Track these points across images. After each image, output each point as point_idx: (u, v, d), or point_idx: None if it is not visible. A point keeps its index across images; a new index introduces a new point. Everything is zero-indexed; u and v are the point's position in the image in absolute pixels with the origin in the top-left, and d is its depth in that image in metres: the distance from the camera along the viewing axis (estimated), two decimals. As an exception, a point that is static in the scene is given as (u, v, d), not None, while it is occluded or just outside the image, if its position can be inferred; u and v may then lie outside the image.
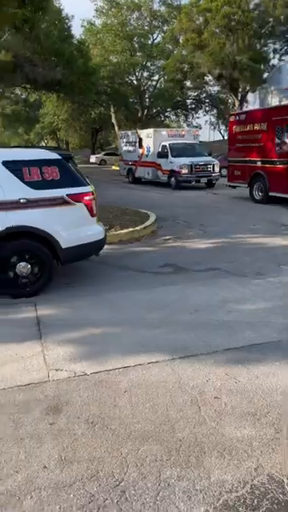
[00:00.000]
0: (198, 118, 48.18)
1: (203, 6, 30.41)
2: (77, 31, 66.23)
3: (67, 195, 5.45)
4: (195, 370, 3.54)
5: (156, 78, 42.14)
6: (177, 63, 35.53)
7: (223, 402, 3.12)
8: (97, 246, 5.92)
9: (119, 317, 4.69)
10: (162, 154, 19.73)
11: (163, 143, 20.01)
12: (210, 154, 21.03)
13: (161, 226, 10.01)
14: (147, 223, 9.61)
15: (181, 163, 18.66)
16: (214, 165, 19.13)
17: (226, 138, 46.88)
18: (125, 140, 24.16)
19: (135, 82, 41.36)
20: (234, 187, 15.47)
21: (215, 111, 46.40)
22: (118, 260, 7.18)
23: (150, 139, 20.85)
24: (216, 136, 62.19)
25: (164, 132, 21.29)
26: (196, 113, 46.48)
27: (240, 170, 14.73)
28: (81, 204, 5.57)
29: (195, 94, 43.41)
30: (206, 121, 54.66)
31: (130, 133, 24.36)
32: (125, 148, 24.03)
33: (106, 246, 6.36)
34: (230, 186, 15.68)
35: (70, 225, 5.53)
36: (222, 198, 15.60)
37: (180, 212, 12.24)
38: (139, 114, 41.25)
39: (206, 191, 17.74)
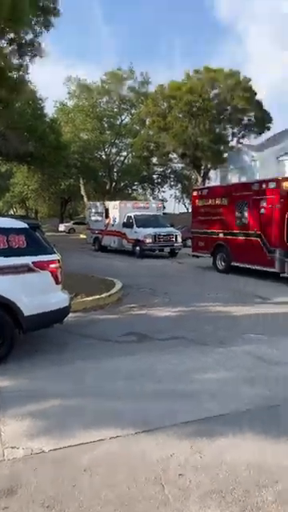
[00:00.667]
0: (163, 191, 50.34)
1: (168, 93, 33.21)
2: (50, 110, 69.87)
3: (33, 263, 5.46)
4: (159, 443, 3.41)
5: (124, 154, 44.56)
6: (143, 142, 37.86)
7: (187, 479, 2.99)
8: (61, 313, 5.84)
9: (81, 388, 4.53)
10: (128, 224, 20.63)
11: (128, 214, 21.00)
12: (172, 226, 22.08)
13: (126, 294, 10.04)
14: (112, 291, 9.63)
15: (145, 233, 19.46)
16: (176, 235, 19.97)
17: (190, 210, 49.12)
18: (93, 210, 25.18)
19: (104, 157, 43.46)
20: (198, 257, 15.93)
21: (180, 186, 48.96)
22: (81, 328, 7.06)
23: (116, 210, 21.90)
24: (181, 208, 65.01)
25: (129, 204, 22.49)
26: (162, 187, 48.84)
27: (203, 240, 15.28)
28: (46, 271, 5.57)
29: (161, 169, 45.92)
30: (171, 194, 57.15)
31: (97, 204, 25.45)
32: (92, 218, 24.96)
33: (70, 314, 6.29)
34: (194, 255, 16.14)
35: (34, 292, 5.48)
36: (187, 267, 15.97)
37: (145, 280, 12.37)
38: (107, 187, 42.87)
39: (170, 260, 18.15)
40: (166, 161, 40.99)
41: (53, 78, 63.86)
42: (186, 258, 17.29)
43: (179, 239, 20.04)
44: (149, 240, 19.32)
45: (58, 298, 5.78)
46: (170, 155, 39.02)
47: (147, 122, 38.07)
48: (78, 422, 3.76)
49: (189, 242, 22.25)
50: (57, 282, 5.73)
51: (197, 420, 3.80)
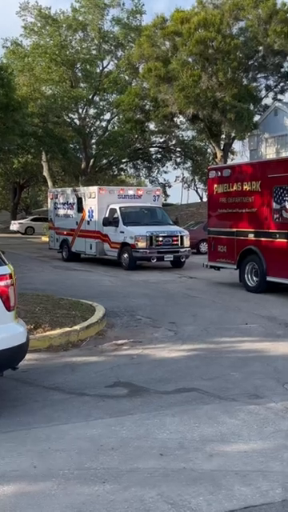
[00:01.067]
0: (165, 172, 50.61)
1: (171, 28, 33.57)
2: (-3, 53, 70.39)
3: (-28, 280, 5.46)
4: None
5: (107, 117, 44.89)
6: (135, 99, 38.18)
7: None
8: (14, 355, 5.82)
9: (44, 465, 4.51)
10: (111, 221, 20.47)
11: (112, 206, 20.88)
12: (176, 222, 22.12)
13: (111, 325, 10.07)
14: (91, 320, 9.66)
15: (136, 234, 19.32)
16: (182, 236, 19.94)
17: (204, 199, 49.41)
18: (58, 200, 25.01)
19: (77, 121, 43.75)
20: (218, 268, 15.98)
21: (189, 164, 49.23)
22: (45, 376, 7.04)
23: (94, 200, 21.66)
24: (191, 197, 65.51)
25: (113, 191, 22.27)
26: (163, 165, 49.19)
27: (225, 244, 15.36)
28: (-9, 292, 5.56)
29: (161, 140, 46.19)
30: (177, 176, 57.62)
31: (66, 190, 25.36)
32: (59, 211, 24.84)
33: (27, 356, 6.28)
34: (211, 266, 16.19)
35: (-26, 323, 5.46)
36: (201, 283, 16.02)
37: (140, 304, 12.40)
38: (83, 166, 43.07)
39: (177, 273, 18.20)
40: (169, 127, 41.30)
41: (1, 7, 64.58)
42: (200, 269, 17.32)
43: (186, 242, 19.97)
44: (142, 244, 19.22)
45: (9, 332, 5.76)
46: (176, 119, 39.41)
47: (141, 70, 38.42)
48: (40, 518, 3.73)
49: (204, 247, 22.52)
50: (8, 308, 5.72)
51: (219, 514, 3.79)
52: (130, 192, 22.42)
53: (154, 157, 48.76)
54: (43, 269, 20.33)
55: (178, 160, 49.08)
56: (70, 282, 16.49)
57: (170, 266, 20.11)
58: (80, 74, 43.57)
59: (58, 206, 25.07)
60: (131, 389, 6.60)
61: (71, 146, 43.96)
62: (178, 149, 47.63)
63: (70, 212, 23.81)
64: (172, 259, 19.70)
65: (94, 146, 45.17)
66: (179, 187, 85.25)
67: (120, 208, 20.63)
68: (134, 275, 18.06)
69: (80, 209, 22.76)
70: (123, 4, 41.83)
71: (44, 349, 8.28)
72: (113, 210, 20.76)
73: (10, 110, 27.28)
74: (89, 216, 21.99)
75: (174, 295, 13.90)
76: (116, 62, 43.70)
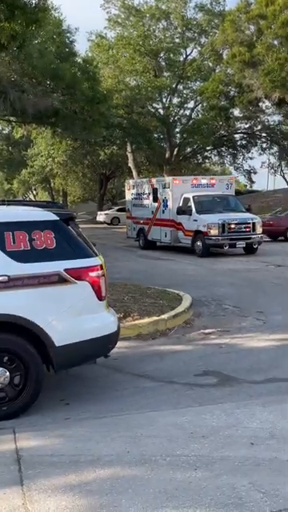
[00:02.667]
0: (250, 158, 49.70)
1: (255, 11, 32.83)
2: (82, 47, 71.65)
3: (65, 270, 5.66)
4: (253, 537, 3.42)
5: (191, 105, 44.62)
6: (220, 86, 37.71)
7: None
8: (106, 343, 6.00)
9: (137, 451, 4.63)
10: (184, 210, 21.00)
11: (185, 195, 21.37)
12: (248, 210, 22.11)
13: (198, 314, 10.11)
14: (178, 309, 9.73)
15: (209, 222, 19.71)
16: (254, 223, 20.31)
17: (292, 185, 48.15)
18: (134, 191, 25.87)
19: (161, 111, 43.77)
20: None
21: (276, 149, 48.09)
22: (135, 364, 7.20)
23: (168, 190, 22.26)
24: (278, 183, 64.07)
25: (187, 181, 22.74)
26: (248, 152, 48.33)
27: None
28: (84, 282, 5.75)
29: (247, 126, 45.42)
30: (263, 162, 56.51)
31: (142, 181, 26.21)
32: (135, 202, 25.66)
33: (118, 344, 6.44)
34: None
35: (69, 312, 5.67)
36: (289, 272, 15.71)
37: (226, 292, 12.37)
38: (167, 155, 43.12)
39: (264, 262, 17.94)
40: (255, 112, 40.52)
41: (86, 1, 65.55)
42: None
43: (259, 229, 20.25)
44: (214, 231, 19.67)
45: (101, 321, 5.95)
46: (261, 103, 38.56)
47: (225, 56, 37.87)
48: (133, 500, 3.84)
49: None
50: (100, 298, 5.89)
51: (312, 505, 3.76)
52: (203, 181, 22.84)
53: (238, 143, 48.04)
54: (129, 258, 20.62)
55: (264, 145, 48.07)
56: (156, 271, 16.65)
57: (242, 252, 20.30)
58: (163, 63, 43.51)
59: (135, 196, 25.82)
60: (220, 378, 6.63)
61: (155, 135, 44.09)
62: (264, 134, 46.66)
63: (145, 202, 24.45)
64: (244, 246, 19.98)
65: (178, 134, 45.08)
66: (265, 173, 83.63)
67: (193, 197, 21.03)
68: (218, 264, 17.96)
69: (155, 198, 23.34)
70: (206, -10, 41.33)
71: (133, 337, 8.45)
72: (186, 199, 21.22)
73: (95, 103, 27.69)
74: (163, 205, 22.58)
75: (261, 284, 13.72)
76: (199, 49, 43.27)
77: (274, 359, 7.35)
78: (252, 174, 51.48)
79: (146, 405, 5.79)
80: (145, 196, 24.61)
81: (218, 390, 6.23)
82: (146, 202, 24.40)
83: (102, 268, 5.97)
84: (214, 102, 39.69)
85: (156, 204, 23.21)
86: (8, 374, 5.45)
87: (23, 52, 18.98)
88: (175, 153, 43.72)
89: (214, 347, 8.03)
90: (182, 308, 9.85)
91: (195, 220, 20.39)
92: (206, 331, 8.91)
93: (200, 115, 44.58)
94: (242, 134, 47.25)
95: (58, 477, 4.24)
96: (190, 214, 20.73)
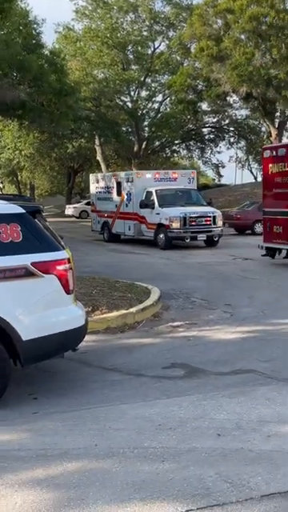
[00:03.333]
0: (218, 152, 49.92)
1: (223, 5, 32.96)
2: (49, 39, 70.99)
3: (32, 264, 5.62)
4: (221, 527, 3.46)
5: (159, 98, 44.62)
6: (188, 79, 37.80)
7: None
8: (73, 337, 5.98)
9: (104, 444, 4.63)
10: (147, 204, 21.56)
11: (148, 189, 21.93)
12: (209, 203, 22.89)
13: (167, 307, 10.14)
14: (147, 302, 9.75)
15: (171, 215, 20.29)
16: (214, 217, 21.07)
17: (259, 179, 48.62)
18: (99, 185, 26.40)
19: (130, 104, 43.69)
20: (273, 256, 15.78)
21: (243, 143, 48.54)
22: (103, 358, 7.19)
23: (131, 184, 22.84)
24: (246, 177, 64.64)
25: (149, 175, 23.44)
26: (216, 146, 48.61)
27: (281, 225, 15.14)
28: (52, 276, 5.72)
29: (214, 120, 45.67)
30: (231, 156, 56.79)
31: (105, 175, 26.85)
32: (99, 195, 26.19)
33: (86, 337, 6.42)
34: (266, 248, 16.02)
35: (36, 306, 5.64)
36: (256, 265, 15.88)
37: (194, 285, 12.43)
38: (135, 148, 43.07)
39: (231, 255, 18.10)
40: (222, 106, 40.73)
41: (53, -8, 64.89)
42: (255, 251, 17.14)
43: (219, 222, 20.97)
44: (176, 224, 20.23)
45: (69, 315, 5.93)
46: (228, 98, 38.81)
47: (192, 50, 37.94)
48: (101, 493, 3.84)
49: (259, 228, 22.30)
50: (67, 291, 5.87)
51: (276, 493, 3.81)
52: (166, 175, 23.45)
53: (206, 137, 48.26)
54: (98, 252, 20.59)
55: (232, 140, 48.43)
56: (126, 264, 16.65)
57: (203, 245, 20.90)
58: (131, 57, 43.40)
59: (100, 190, 26.34)
60: (188, 370, 6.68)
61: (124, 129, 44.00)
62: (232, 128, 46.97)
63: (110, 195, 24.95)
64: (205, 238, 20.72)
65: (146, 128, 45.05)
66: (233, 167, 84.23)
67: (156, 191, 21.63)
68: (187, 257, 18.06)
69: (119, 192, 23.89)
70: (174, -16, 41.27)
71: (102, 331, 8.44)
72: (149, 193, 21.77)
73: (63, 95, 27.45)
74: (127, 199, 23.13)
75: (229, 277, 13.84)
76: (167, 42, 43.25)
77: (241, 351, 7.42)
78: (220, 168, 51.86)
79: (114, 398, 5.80)
80: (109, 190, 25.12)
81: (186, 382, 6.27)
82: (110, 195, 24.90)
83: (69, 261, 5.94)
84: (182, 96, 39.76)
85: (120, 198, 23.71)
86: (-26, 368, 5.40)
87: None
88: (144, 146, 43.69)
89: (182, 340, 8.07)
90: (151, 301, 9.88)
91: (158, 213, 21.00)
92: (174, 324, 8.95)
93: (168, 109, 44.63)
94: (209, 128, 47.49)
95: (26, 471, 4.22)
96: (153, 208, 21.31)
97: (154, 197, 21.43)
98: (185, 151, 50.34)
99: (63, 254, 5.92)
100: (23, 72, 25.41)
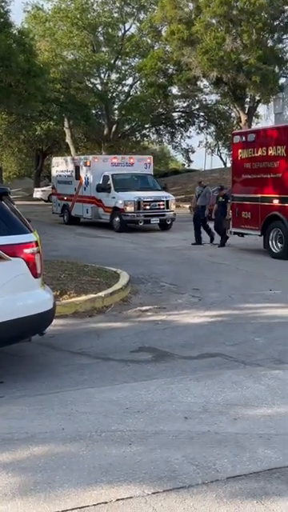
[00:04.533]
0: (188, 137, 49.88)
1: (194, -12, 32.78)
2: (17, 18, 69.65)
3: (-1, 247, 5.54)
4: (187, 510, 3.49)
5: (129, 82, 44.34)
6: (158, 63, 37.62)
7: None
8: (41, 320, 5.94)
9: (72, 428, 4.63)
10: (104, 188, 22.28)
11: (105, 173, 22.68)
12: (164, 188, 24.04)
13: (135, 291, 10.16)
14: (116, 286, 9.75)
15: (125, 199, 21.19)
16: (167, 201, 21.86)
17: (228, 165, 48.82)
18: (59, 168, 27.18)
19: (99, 87, 43.30)
20: (242, 235, 15.93)
21: (213, 128, 48.58)
22: (71, 342, 7.17)
23: (89, 168, 23.58)
24: (215, 162, 64.81)
25: (107, 159, 24.47)
26: (186, 130, 48.59)
27: (249, 210, 15.28)
28: (18, 259, 5.66)
29: (185, 104, 45.60)
30: (201, 141, 56.58)
31: (66, 159, 27.62)
32: (59, 179, 27.00)
33: (54, 321, 6.39)
34: (235, 233, 16.16)
35: (2, 290, 5.57)
36: (224, 250, 16.01)
37: (164, 270, 12.48)
38: (105, 132, 42.78)
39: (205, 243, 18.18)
40: (193, 91, 40.70)
41: None
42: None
43: (172, 206, 21.96)
44: (130, 208, 21.09)
45: (36, 298, 5.88)
46: (199, 82, 38.79)
47: (163, 33, 37.71)
48: (68, 476, 3.85)
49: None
50: (35, 275, 5.81)
51: (241, 475, 3.87)
52: (123, 160, 24.39)
53: (177, 122, 48.19)
54: (66, 236, 20.48)
55: (202, 125, 48.39)
56: (94, 248, 16.60)
57: (158, 228, 21.76)
58: (102, 38, 42.92)
59: (59, 173, 27.02)
60: (155, 354, 6.70)
61: (93, 111, 43.60)
62: (202, 113, 46.97)
63: (69, 179, 25.62)
64: (158, 222, 21.59)
65: (116, 111, 44.73)
66: (202, 152, 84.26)
67: (112, 175, 22.32)
68: (157, 242, 18.10)
69: (78, 176, 24.58)
70: None
71: (70, 315, 8.40)
72: (106, 177, 22.40)
73: (31, 76, 27.04)
74: (85, 183, 23.82)
75: (197, 262, 13.91)
76: (138, 25, 42.87)
77: (208, 335, 7.48)
78: (190, 153, 51.84)
79: (82, 381, 5.79)
80: (68, 173, 25.78)
81: (154, 365, 6.30)
82: (69, 179, 25.58)
83: (37, 245, 5.88)
84: (153, 80, 39.60)
85: (78, 181, 24.40)
86: None
87: None
88: (113, 130, 43.41)
89: (150, 324, 8.10)
90: (119, 286, 9.87)
91: (113, 197, 21.73)
92: (143, 308, 8.97)
93: (138, 92, 44.39)
94: (180, 113, 47.43)
95: (-8, 455, 4.19)
96: (109, 192, 21.97)
97: (111, 181, 22.09)
98: (155, 135, 50.20)
99: (31, 237, 5.85)
100: (-10, 52, 24.95)
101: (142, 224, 21.20)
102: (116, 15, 42.44)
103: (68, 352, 6.82)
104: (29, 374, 6.04)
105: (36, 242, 5.88)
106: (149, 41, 42.73)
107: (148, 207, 21.28)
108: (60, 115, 40.70)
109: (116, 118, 44.34)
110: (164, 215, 21.55)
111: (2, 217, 5.72)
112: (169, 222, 21.71)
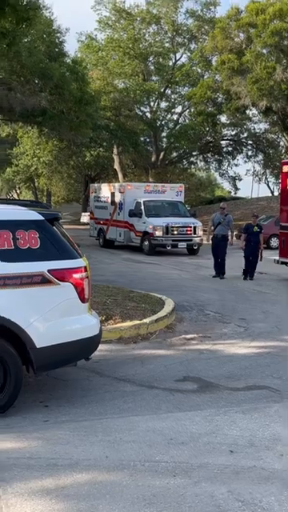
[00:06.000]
0: (235, 165, 49.88)
1: (245, 19, 33.04)
2: (72, 48, 71.59)
3: (49, 271, 5.61)
4: None
5: (178, 110, 44.73)
6: (208, 92, 37.84)
7: None
8: (87, 345, 5.96)
9: (116, 456, 4.59)
10: (135, 213, 23.47)
11: (138, 200, 23.83)
12: (194, 215, 24.55)
13: (180, 319, 10.09)
14: (161, 313, 9.70)
15: (154, 224, 22.29)
16: (195, 227, 22.77)
17: (276, 194, 48.44)
18: (96, 194, 28.43)
19: (149, 114, 43.84)
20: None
21: (261, 157, 48.40)
22: (115, 368, 7.15)
23: (123, 194, 24.66)
24: (262, 190, 64.45)
25: (140, 187, 25.63)
26: (234, 158, 48.53)
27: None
28: (68, 284, 5.71)
29: (233, 133, 45.64)
30: (248, 170, 56.86)
31: (102, 186, 28.91)
32: (96, 204, 28.17)
33: (99, 347, 6.40)
34: (283, 263, 15.91)
35: (51, 314, 5.62)
36: (271, 280, 15.78)
37: (209, 298, 12.37)
38: (153, 159, 43.15)
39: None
40: (242, 120, 40.78)
41: (77, 1, 65.49)
42: (271, 265, 17.05)
43: (199, 232, 22.82)
44: (158, 232, 22.12)
45: (84, 323, 5.91)
46: (248, 111, 38.85)
47: (214, 63, 38.05)
48: (115, 507, 3.81)
49: (275, 242, 22.21)
50: (83, 300, 5.85)
51: (290, 515, 3.75)
52: (155, 188, 25.37)
53: (224, 150, 48.22)
54: (113, 261, 20.59)
55: (250, 153, 48.31)
56: (140, 274, 16.61)
57: (185, 253, 22.53)
58: (152, 68, 43.61)
59: (97, 199, 28.09)
60: (200, 384, 6.62)
61: (142, 139, 44.12)
62: (250, 142, 46.90)
63: (105, 204, 26.68)
64: (185, 247, 22.46)
65: (164, 139, 45.15)
66: (250, 180, 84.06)
67: (144, 201, 23.37)
68: (203, 270, 17.98)
69: (113, 202, 25.58)
70: (198, -4, 41.43)
71: (115, 340, 8.40)
72: (138, 203, 23.48)
73: (83, 104, 27.64)
74: (119, 208, 24.77)
75: (243, 291, 13.76)
76: (189, 54, 43.43)
77: (254, 367, 7.34)
78: (237, 181, 51.75)
79: (126, 409, 5.75)
80: (104, 199, 26.86)
81: (199, 396, 6.22)
82: (105, 204, 26.65)
83: (86, 270, 5.93)
84: (202, 108, 39.86)
85: (113, 206, 25.41)
86: (-13, 374, 5.39)
87: (12, 50, 18.85)
88: (161, 157, 43.77)
89: (195, 353, 8.01)
90: (164, 312, 9.82)
91: (144, 222, 22.82)
92: (188, 336, 8.90)
93: (187, 120, 44.70)
94: (228, 141, 47.45)
95: (35, 480, 4.19)
96: (140, 217, 23.04)
97: (142, 207, 23.16)
98: (202, 163, 50.31)
99: (80, 262, 5.90)
100: (45, 79, 25.71)
101: (169, 248, 22.15)
102: (167, 45, 43.11)
103: (112, 378, 6.80)
104: (73, 399, 6.04)
105: (85, 268, 5.93)
106: (199, 70, 43.16)
107: (176, 232, 22.29)
108: (109, 142, 41.37)
109: (164, 145, 44.74)
110: (191, 240, 22.46)
111: (53, 242, 5.80)
112: (195, 247, 22.55)
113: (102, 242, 26.62)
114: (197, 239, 22.60)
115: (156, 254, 22.00)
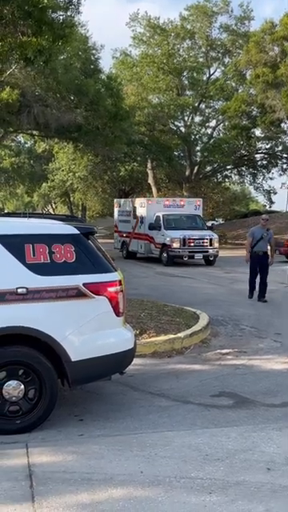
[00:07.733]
0: (271, 178, 49.31)
1: (280, 33, 32.96)
2: (106, 64, 72.49)
3: (84, 285, 5.64)
4: None
5: (212, 124, 44.68)
6: (242, 105, 37.77)
7: None
8: (122, 359, 5.95)
9: (151, 471, 4.56)
10: (155, 226, 24.54)
11: (157, 214, 24.97)
12: (211, 228, 25.75)
13: (216, 333, 10.01)
14: (195, 328, 9.64)
15: (172, 236, 23.28)
16: (211, 239, 23.77)
17: (312, 207, 47.76)
18: (120, 208, 29.53)
19: (183, 129, 43.92)
20: None
21: (296, 170, 47.88)
22: (150, 382, 7.13)
23: (144, 209, 25.95)
24: (299, 204, 63.61)
25: (160, 201, 27.08)
26: (268, 172, 48.11)
27: None
28: (103, 298, 5.72)
29: (268, 146, 45.35)
30: (283, 183, 56.02)
31: (125, 201, 30.42)
32: (120, 217, 29.20)
33: (134, 361, 6.38)
34: None
35: (86, 327, 5.64)
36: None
37: (244, 312, 12.25)
38: (187, 173, 43.16)
39: (283, 284, 17.78)
40: (277, 133, 40.49)
41: (111, 18, 66.37)
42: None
43: (215, 244, 23.78)
44: (176, 244, 23.11)
45: (118, 337, 5.90)
46: (283, 124, 38.55)
47: (248, 76, 38.00)
48: (147, 523, 3.77)
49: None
50: (117, 314, 5.85)
51: None
52: (174, 202, 26.55)
53: (259, 163, 47.89)
54: (146, 274, 20.60)
55: (285, 166, 47.86)
56: (174, 288, 16.56)
57: (203, 263, 23.46)
58: (186, 82, 43.71)
59: (120, 213, 29.15)
60: (236, 400, 6.54)
61: (176, 153, 44.17)
62: (285, 155, 46.50)
63: (127, 218, 27.71)
64: (201, 258, 23.37)
65: (198, 153, 45.09)
66: (285, 194, 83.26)
67: (163, 215, 24.54)
68: (238, 284, 17.83)
69: (134, 216, 26.69)
70: (232, 11, 41.24)
71: (149, 354, 8.38)
72: (158, 217, 24.62)
73: (118, 120, 27.89)
74: (140, 221, 25.91)
75: (279, 305, 13.58)
76: (223, 68, 43.41)
77: (292, 382, 7.23)
78: (272, 195, 51.27)
79: (160, 424, 5.72)
80: (127, 213, 27.92)
81: (235, 412, 6.14)
82: (128, 218, 27.66)
83: (120, 283, 5.94)
84: (236, 122, 39.78)
85: (135, 220, 26.48)
86: (23, 387, 5.42)
87: (49, 67, 19.12)
88: (195, 171, 43.73)
89: (231, 368, 7.93)
90: (199, 327, 9.76)
91: (163, 235, 23.84)
92: (223, 351, 8.82)
93: (221, 134, 44.59)
94: (262, 154, 47.15)
95: (70, 494, 4.19)
96: (159, 230, 24.10)
97: (161, 220, 24.27)
98: (236, 176, 50.05)
99: (115, 276, 5.92)
100: (80, 96, 26.07)
101: (186, 259, 23.06)
102: (201, 60, 43.19)
103: (147, 393, 6.77)
104: (107, 413, 6.03)
105: (120, 281, 5.93)
106: (233, 84, 43.08)
107: (192, 244, 23.24)
108: (144, 157, 41.56)
109: (198, 159, 44.69)
110: (207, 252, 23.44)
111: (89, 255, 5.83)
112: (211, 258, 23.53)
113: (125, 254, 27.57)
114: (213, 251, 23.60)
115: (184, 265, 22.54)
